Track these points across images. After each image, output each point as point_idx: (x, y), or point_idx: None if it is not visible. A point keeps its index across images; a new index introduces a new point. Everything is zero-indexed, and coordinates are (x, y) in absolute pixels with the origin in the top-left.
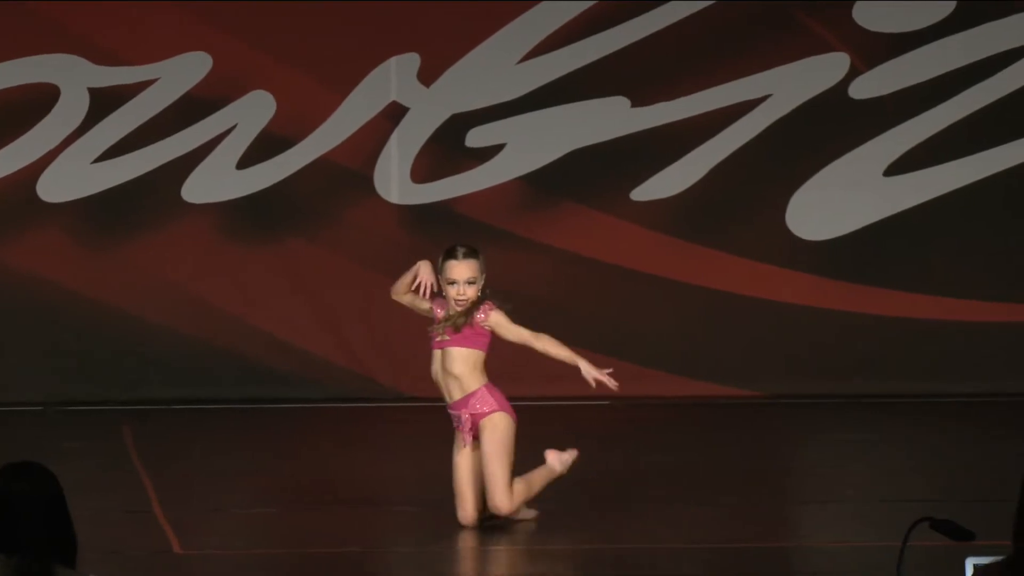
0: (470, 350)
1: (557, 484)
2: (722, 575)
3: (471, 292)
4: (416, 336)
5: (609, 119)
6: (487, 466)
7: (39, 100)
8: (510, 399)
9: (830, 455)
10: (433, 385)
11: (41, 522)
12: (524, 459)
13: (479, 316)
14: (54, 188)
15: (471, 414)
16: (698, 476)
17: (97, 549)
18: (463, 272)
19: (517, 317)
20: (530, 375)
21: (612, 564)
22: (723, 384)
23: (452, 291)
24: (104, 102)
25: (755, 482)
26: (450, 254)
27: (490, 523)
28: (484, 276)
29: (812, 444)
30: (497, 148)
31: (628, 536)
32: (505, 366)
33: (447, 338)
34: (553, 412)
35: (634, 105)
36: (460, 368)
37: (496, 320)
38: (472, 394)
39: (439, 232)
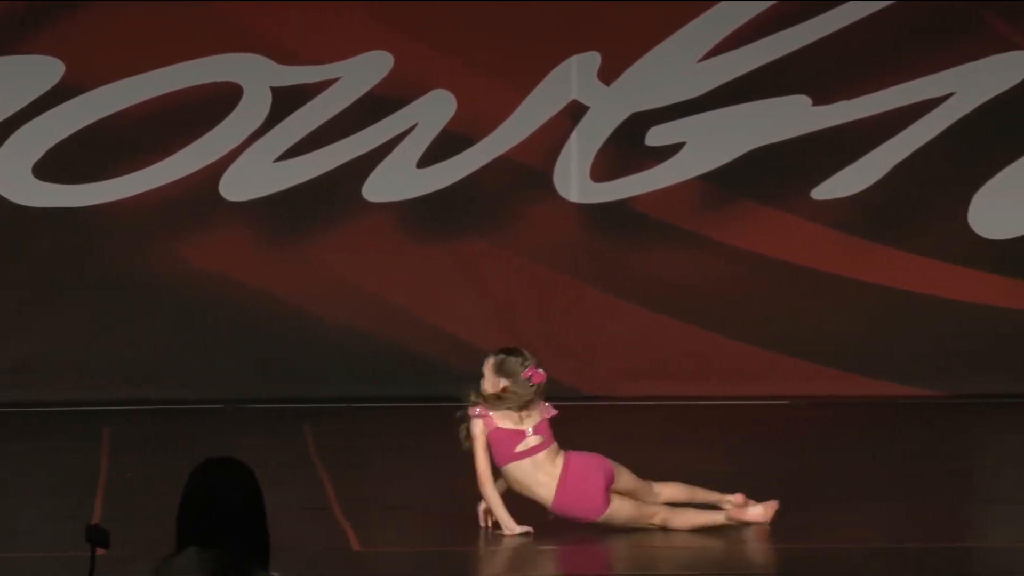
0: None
1: (754, 484)
2: (902, 574)
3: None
4: (596, 336)
5: (790, 117)
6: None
7: (222, 99)
8: (688, 398)
9: (1010, 454)
10: (614, 385)
11: (235, 518)
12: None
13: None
14: (236, 186)
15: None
16: (878, 475)
17: (278, 546)
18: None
19: (697, 317)
20: (712, 375)
21: (809, 561)
22: (903, 383)
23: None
24: (286, 101)
25: (934, 482)
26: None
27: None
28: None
29: (993, 444)
30: (677, 147)
31: (812, 535)
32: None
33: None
34: (733, 412)
35: (815, 103)
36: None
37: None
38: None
39: (618, 231)
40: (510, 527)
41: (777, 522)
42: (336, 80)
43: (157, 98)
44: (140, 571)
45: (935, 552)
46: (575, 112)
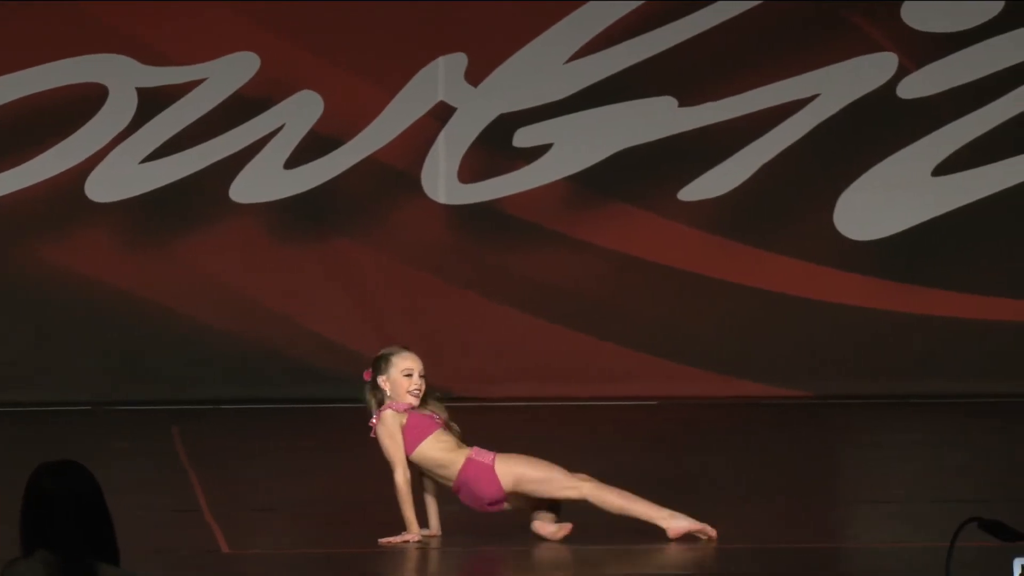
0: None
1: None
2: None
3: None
4: (466, 337)
5: (656, 119)
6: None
7: (88, 100)
8: (557, 399)
9: (878, 455)
10: (483, 386)
11: (79, 520)
12: (565, 458)
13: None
14: (102, 188)
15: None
16: (747, 476)
17: (145, 548)
18: (418, 364)
19: (566, 318)
20: (581, 376)
21: (660, 563)
22: (770, 384)
23: (409, 383)
24: (152, 102)
25: (803, 482)
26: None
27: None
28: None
29: (860, 444)
30: (544, 148)
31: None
32: (558, 364)
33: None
34: (602, 412)
35: (681, 105)
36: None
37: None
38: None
39: (486, 232)
40: (413, 530)
41: (643, 523)
42: (202, 81)
43: (22, 99)
44: None
45: (805, 553)
46: (442, 113)
